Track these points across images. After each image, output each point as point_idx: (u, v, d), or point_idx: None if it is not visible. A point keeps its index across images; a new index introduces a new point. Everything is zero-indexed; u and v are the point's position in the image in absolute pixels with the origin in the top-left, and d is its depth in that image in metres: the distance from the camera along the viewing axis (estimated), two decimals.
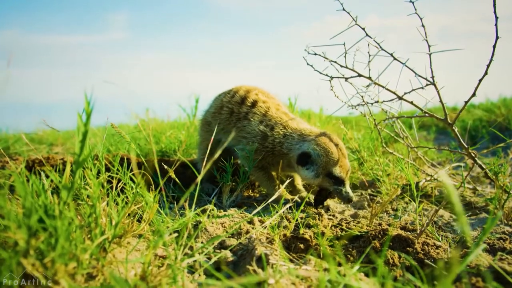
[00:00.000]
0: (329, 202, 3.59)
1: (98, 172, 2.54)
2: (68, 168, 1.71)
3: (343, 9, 3.13)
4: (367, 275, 2.09)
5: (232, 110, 3.76)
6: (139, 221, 2.39)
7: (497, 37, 2.73)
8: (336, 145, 3.30)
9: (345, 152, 3.35)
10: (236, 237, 2.41)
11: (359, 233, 2.53)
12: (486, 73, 2.83)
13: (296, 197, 3.33)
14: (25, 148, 6.46)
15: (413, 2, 2.95)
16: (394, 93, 3.23)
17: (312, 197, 3.40)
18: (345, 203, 3.29)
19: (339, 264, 2.17)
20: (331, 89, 3.52)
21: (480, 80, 2.86)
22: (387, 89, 3.23)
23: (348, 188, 3.24)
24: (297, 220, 2.67)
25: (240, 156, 3.64)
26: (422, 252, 2.25)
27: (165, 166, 2.68)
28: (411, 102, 3.19)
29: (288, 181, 3.17)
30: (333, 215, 3.14)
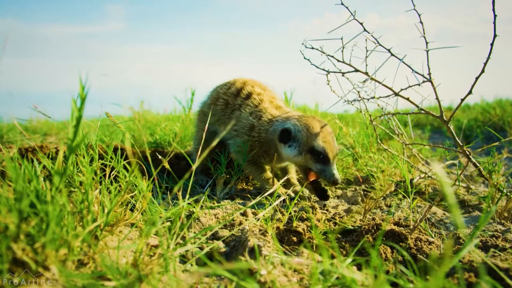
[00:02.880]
0: None
1: (92, 160, 2.52)
2: (61, 153, 1.69)
3: (342, 3, 3.12)
4: (359, 269, 2.09)
5: (227, 101, 3.77)
6: (132, 210, 2.38)
7: (495, 35, 2.72)
8: (320, 123, 3.27)
9: (331, 132, 3.30)
10: (229, 228, 2.40)
11: (352, 227, 2.52)
12: (483, 71, 2.83)
13: (289, 191, 3.32)
14: (18, 137, 6.42)
15: None
16: (390, 89, 3.22)
17: (306, 191, 3.39)
18: (330, 184, 3.14)
19: (332, 257, 2.17)
20: (328, 84, 3.52)
21: (477, 78, 2.86)
22: (383, 84, 3.22)
23: (333, 169, 3.15)
24: (290, 213, 2.66)
25: (233, 151, 3.64)
26: (415, 248, 2.25)
27: (159, 156, 2.66)
28: (407, 99, 3.18)
29: (285, 177, 3.16)
30: (327, 209, 3.14)
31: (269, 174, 3.54)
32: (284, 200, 3.15)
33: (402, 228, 2.44)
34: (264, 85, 4.02)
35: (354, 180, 4.18)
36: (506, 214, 3.01)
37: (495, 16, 2.67)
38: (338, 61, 3.31)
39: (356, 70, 3.28)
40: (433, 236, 2.54)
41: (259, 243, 1.97)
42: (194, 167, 1.92)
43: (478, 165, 3.15)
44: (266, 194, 2.80)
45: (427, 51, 2.98)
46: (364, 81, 3.29)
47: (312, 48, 3.34)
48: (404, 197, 3.59)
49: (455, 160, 5.12)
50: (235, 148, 3.56)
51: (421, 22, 2.96)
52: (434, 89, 3.04)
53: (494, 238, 2.46)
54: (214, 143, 2.08)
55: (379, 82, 3.23)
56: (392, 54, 3.11)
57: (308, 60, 3.41)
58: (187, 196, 2.37)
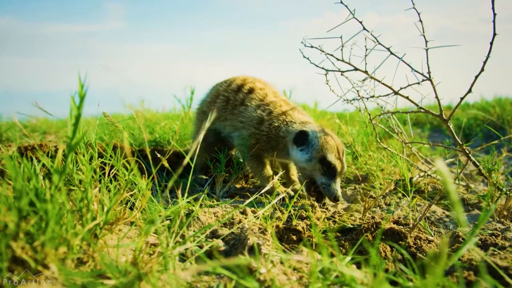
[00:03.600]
0: None
1: (91, 159, 2.52)
2: (60, 152, 1.69)
3: (341, 2, 3.11)
4: (359, 267, 2.09)
5: (228, 98, 3.74)
6: (131, 208, 2.38)
7: (494, 34, 2.72)
8: (338, 142, 3.26)
9: (343, 151, 3.29)
10: (228, 226, 2.40)
11: (352, 226, 2.52)
12: (482, 69, 2.82)
13: (289, 189, 3.32)
14: (18, 135, 6.42)
15: None
16: (390, 87, 3.22)
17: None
18: (331, 201, 3.13)
19: (332, 255, 2.17)
20: (327, 83, 3.52)
21: (477, 77, 2.86)
22: (383, 83, 3.22)
23: (337, 185, 3.13)
24: (290, 211, 2.66)
25: (236, 144, 3.61)
26: (415, 246, 2.25)
27: (158, 155, 2.66)
28: (407, 97, 3.18)
29: (280, 173, 3.15)
30: (326, 208, 3.14)
31: (269, 171, 3.52)
32: (283, 199, 3.15)
33: (401, 227, 2.44)
34: (264, 81, 4.01)
35: (353, 178, 4.18)
36: (505, 213, 3.01)
37: (494, 15, 2.66)
38: (338, 59, 3.30)
39: (356, 69, 3.28)
40: (433, 234, 2.55)
41: (259, 241, 1.97)
42: (184, 162, 1.92)
43: (478, 163, 3.15)
44: (263, 191, 2.80)
45: (427, 50, 2.98)
46: (364, 80, 3.29)
47: (312, 47, 3.34)
48: (403, 195, 3.59)
49: (455, 159, 5.13)
50: (239, 141, 3.53)
51: (420, 20, 2.96)
52: (434, 87, 3.04)
53: (494, 237, 2.46)
54: (205, 127, 2.07)
55: (379, 81, 3.23)
56: (391, 53, 3.10)
57: (307, 58, 3.41)
58: (185, 194, 2.37)
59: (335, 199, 3.08)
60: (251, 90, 3.70)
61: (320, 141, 3.18)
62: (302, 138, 3.24)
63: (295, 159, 3.30)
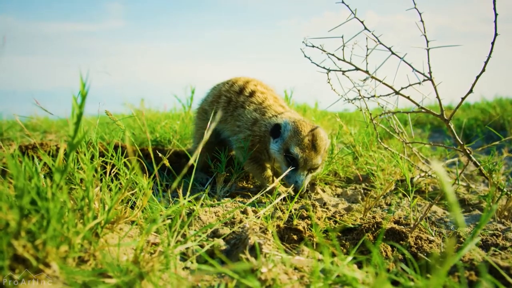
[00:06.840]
0: (323, 195, 3.59)
1: (92, 158, 2.52)
2: (61, 150, 1.69)
3: (342, 2, 3.11)
4: (360, 267, 2.09)
5: (230, 99, 3.77)
6: (132, 207, 2.38)
7: (496, 34, 2.71)
8: (313, 135, 3.27)
9: (319, 147, 3.27)
10: (229, 226, 2.40)
11: (352, 226, 2.52)
12: (483, 70, 2.82)
13: (289, 189, 3.32)
14: (18, 134, 6.42)
15: None
16: (391, 87, 3.22)
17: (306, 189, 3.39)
18: (293, 191, 3.22)
19: (333, 255, 2.17)
20: (328, 82, 3.51)
21: (478, 77, 2.85)
22: (384, 83, 3.22)
23: (298, 176, 3.20)
24: (290, 211, 2.66)
25: (234, 148, 3.64)
26: (415, 246, 2.25)
27: (160, 154, 2.66)
28: (408, 97, 3.17)
29: (284, 173, 3.15)
30: (327, 208, 3.14)
31: (269, 172, 3.54)
32: (284, 198, 3.15)
33: (402, 227, 2.44)
34: (266, 84, 4.03)
35: (354, 178, 4.18)
36: (506, 213, 3.01)
37: (496, 15, 2.66)
38: (339, 59, 3.30)
39: (357, 69, 3.28)
40: (434, 234, 2.54)
41: (260, 241, 1.97)
42: (190, 162, 1.92)
43: (479, 164, 3.15)
44: (265, 191, 2.79)
45: (428, 50, 2.98)
46: (365, 80, 3.29)
47: (313, 46, 3.34)
48: (404, 195, 3.59)
49: (455, 159, 5.13)
50: (237, 144, 3.56)
51: (422, 20, 2.96)
52: (435, 87, 3.04)
53: (495, 237, 2.46)
54: (208, 134, 2.08)
55: (380, 81, 3.23)
56: (392, 53, 3.10)
57: (309, 58, 3.41)
58: (187, 193, 2.37)
59: (294, 189, 3.19)
60: (252, 93, 3.74)
61: (289, 133, 3.25)
62: (277, 130, 3.33)
63: (271, 151, 3.37)
